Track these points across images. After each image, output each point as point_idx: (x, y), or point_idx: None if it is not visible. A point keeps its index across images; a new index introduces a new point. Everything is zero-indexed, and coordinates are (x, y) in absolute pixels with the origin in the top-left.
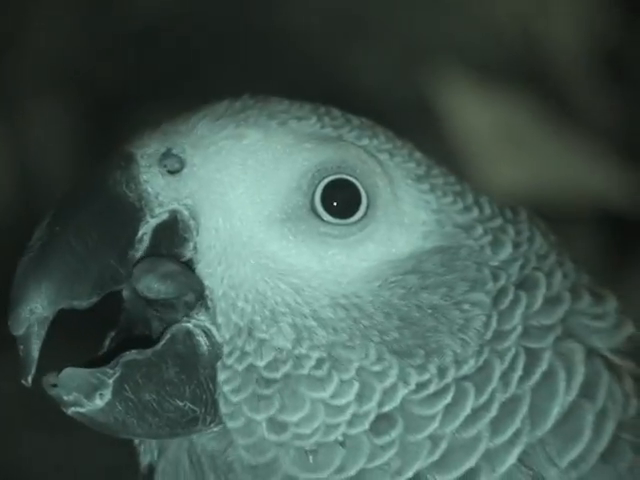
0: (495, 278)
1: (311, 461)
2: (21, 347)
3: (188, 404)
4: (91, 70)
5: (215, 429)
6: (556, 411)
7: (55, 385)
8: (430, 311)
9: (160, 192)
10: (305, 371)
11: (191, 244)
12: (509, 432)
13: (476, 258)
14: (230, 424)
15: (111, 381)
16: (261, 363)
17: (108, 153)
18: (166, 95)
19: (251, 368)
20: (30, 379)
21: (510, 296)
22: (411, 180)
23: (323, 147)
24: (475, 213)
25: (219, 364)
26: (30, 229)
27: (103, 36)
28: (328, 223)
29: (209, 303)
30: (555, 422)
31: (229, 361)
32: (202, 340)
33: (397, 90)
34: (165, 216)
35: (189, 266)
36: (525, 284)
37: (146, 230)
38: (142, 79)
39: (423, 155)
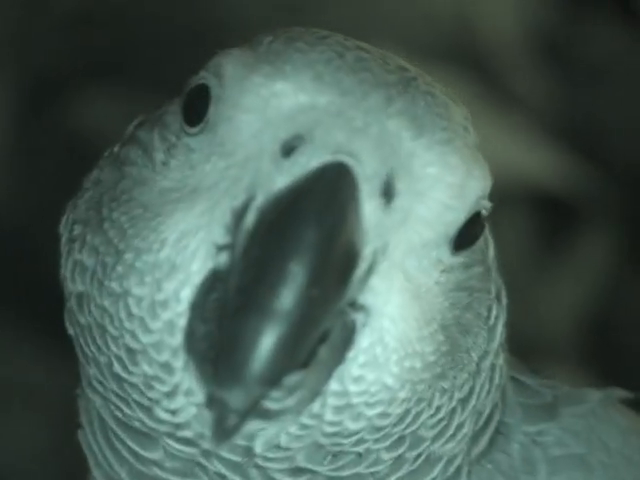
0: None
1: (326, 463)
2: (232, 417)
3: None
4: (27, 49)
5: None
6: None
7: None
8: (467, 331)
9: (372, 230)
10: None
11: (365, 286)
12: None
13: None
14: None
15: None
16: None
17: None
18: (103, 75)
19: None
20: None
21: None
22: None
23: (483, 175)
24: None
25: None
26: None
27: (40, 15)
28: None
29: None
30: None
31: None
32: None
33: None
34: (369, 260)
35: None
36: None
37: (353, 279)
38: (79, 59)
39: None
